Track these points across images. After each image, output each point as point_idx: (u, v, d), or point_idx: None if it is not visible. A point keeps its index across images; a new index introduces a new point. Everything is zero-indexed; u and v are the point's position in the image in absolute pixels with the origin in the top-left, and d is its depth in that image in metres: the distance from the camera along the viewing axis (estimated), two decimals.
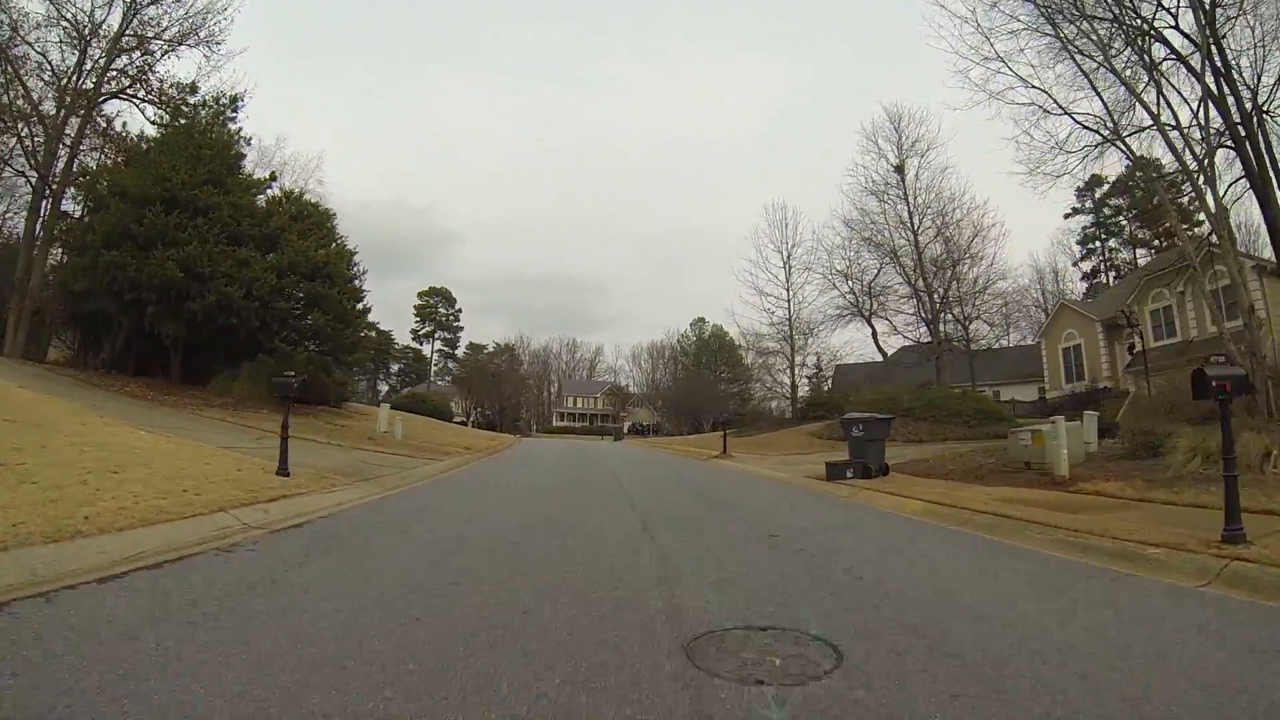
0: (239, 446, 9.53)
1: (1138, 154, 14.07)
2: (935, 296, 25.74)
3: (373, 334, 27.75)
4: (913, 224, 26.10)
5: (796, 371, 32.63)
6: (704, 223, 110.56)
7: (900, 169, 26.81)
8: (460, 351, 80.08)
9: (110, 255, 15.68)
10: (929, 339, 29.06)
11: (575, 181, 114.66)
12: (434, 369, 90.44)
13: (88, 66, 19.34)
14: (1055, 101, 13.09)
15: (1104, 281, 46.61)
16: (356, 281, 22.37)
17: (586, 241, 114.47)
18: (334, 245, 20.51)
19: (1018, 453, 10.59)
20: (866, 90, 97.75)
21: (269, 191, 21.51)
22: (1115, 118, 12.44)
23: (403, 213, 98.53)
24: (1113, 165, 33.23)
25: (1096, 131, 12.79)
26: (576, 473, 13.48)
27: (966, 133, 70.99)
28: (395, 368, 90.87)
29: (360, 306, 22.25)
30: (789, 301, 32.36)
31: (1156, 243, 45.27)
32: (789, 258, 33.04)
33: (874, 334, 31.44)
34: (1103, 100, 12.44)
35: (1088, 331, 29.92)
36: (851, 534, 6.29)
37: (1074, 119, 13.04)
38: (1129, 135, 12.75)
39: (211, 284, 16.38)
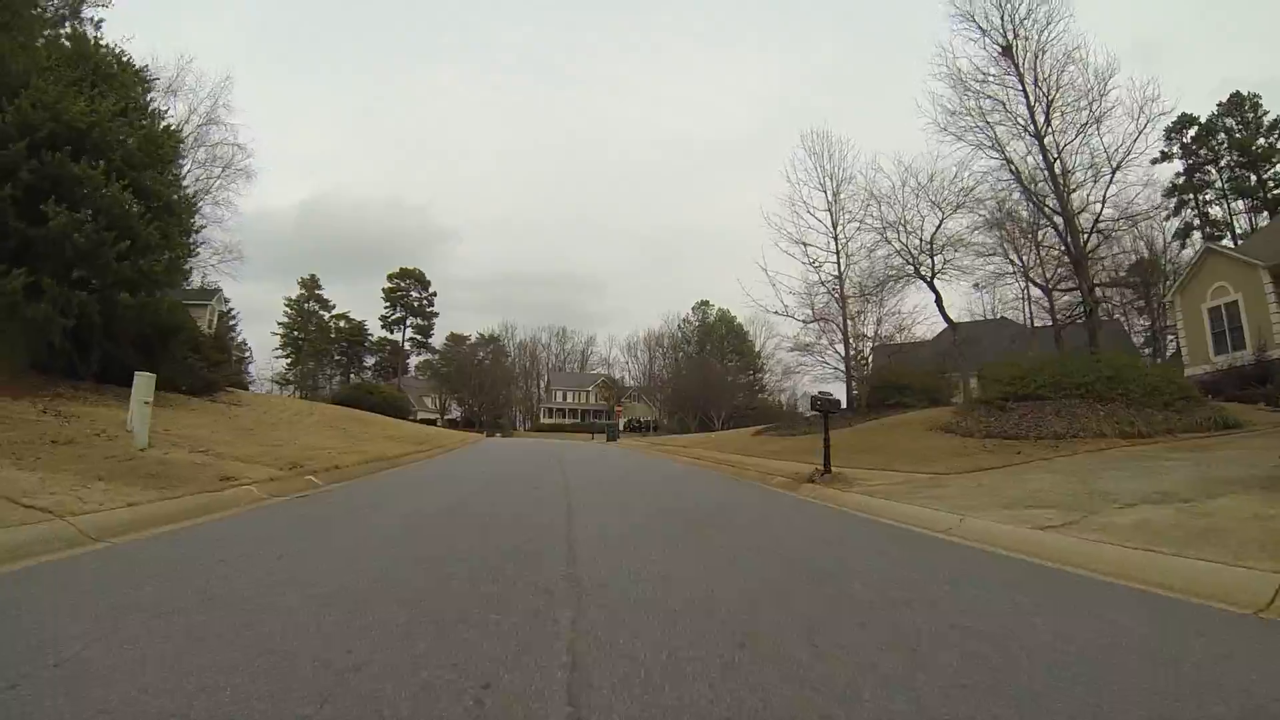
0: None
1: None
2: (1079, 226, 17.44)
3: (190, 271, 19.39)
4: (1035, 121, 17.89)
5: (855, 344, 24.15)
6: (700, 218, 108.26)
7: (1008, 50, 18.61)
8: (436, 340, 71.71)
9: None
10: (1044, 295, 20.96)
11: (569, 180, 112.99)
12: (414, 362, 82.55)
13: None
14: None
15: (1193, 240, 38.47)
16: (186, 193, 14.15)
17: (582, 239, 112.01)
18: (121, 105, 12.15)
19: None
20: (858, 82, 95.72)
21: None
22: None
23: (399, 211, 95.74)
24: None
25: None
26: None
27: None
28: (372, 360, 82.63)
29: (189, 221, 13.94)
30: (839, 253, 23.96)
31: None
32: (837, 193, 24.34)
33: (938, 299, 23.19)
34: None
35: (1249, 283, 21.82)
36: None
37: None
38: None
39: None
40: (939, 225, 22.50)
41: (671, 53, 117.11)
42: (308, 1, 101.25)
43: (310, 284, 74.62)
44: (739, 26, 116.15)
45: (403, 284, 68.83)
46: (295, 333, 74.20)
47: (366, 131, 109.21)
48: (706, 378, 54.17)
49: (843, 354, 26.40)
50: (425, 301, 70.49)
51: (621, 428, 74.25)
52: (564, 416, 76.07)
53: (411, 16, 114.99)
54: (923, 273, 23.41)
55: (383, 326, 69.97)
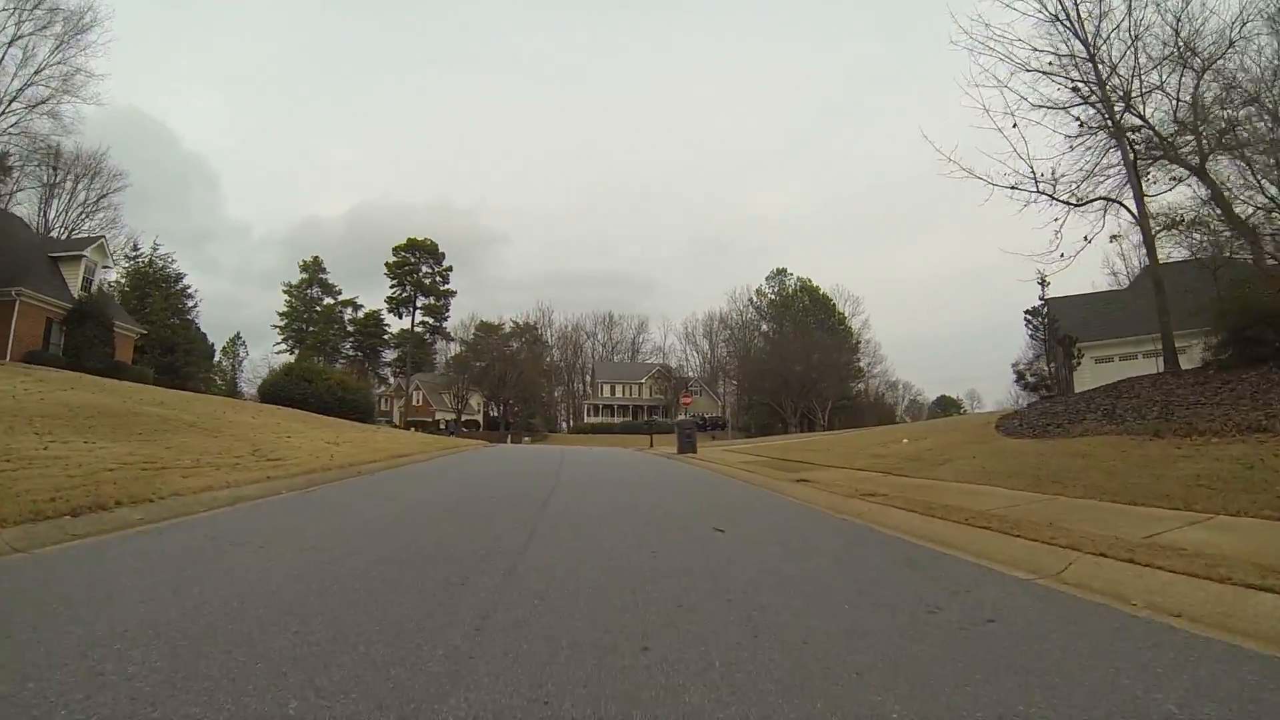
0: None
1: None
2: None
3: None
4: None
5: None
6: (744, 215, 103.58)
7: None
8: (453, 324, 59.32)
9: None
10: None
11: (611, 180, 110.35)
12: (446, 356, 71.05)
13: None
14: None
15: None
16: None
17: (628, 238, 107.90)
18: None
19: None
20: (891, 78, 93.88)
21: None
22: None
23: (447, 214, 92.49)
24: None
25: None
26: None
27: None
28: (393, 355, 71.33)
29: None
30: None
31: None
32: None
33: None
34: None
35: None
36: None
37: None
38: None
39: None
40: None
41: (700, 55, 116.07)
42: (340, 20, 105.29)
43: (313, 267, 63.88)
44: (769, 22, 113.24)
45: (411, 257, 56.79)
46: (297, 324, 63.65)
47: (411, 141, 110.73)
48: (807, 356, 39.34)
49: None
50: (439, 278, 58.29)
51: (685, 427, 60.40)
52: (612, 414, 62.72)
53: (444, 28, 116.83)
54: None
55: (389, 309, 58.21)
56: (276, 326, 62.27)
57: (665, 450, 22.61)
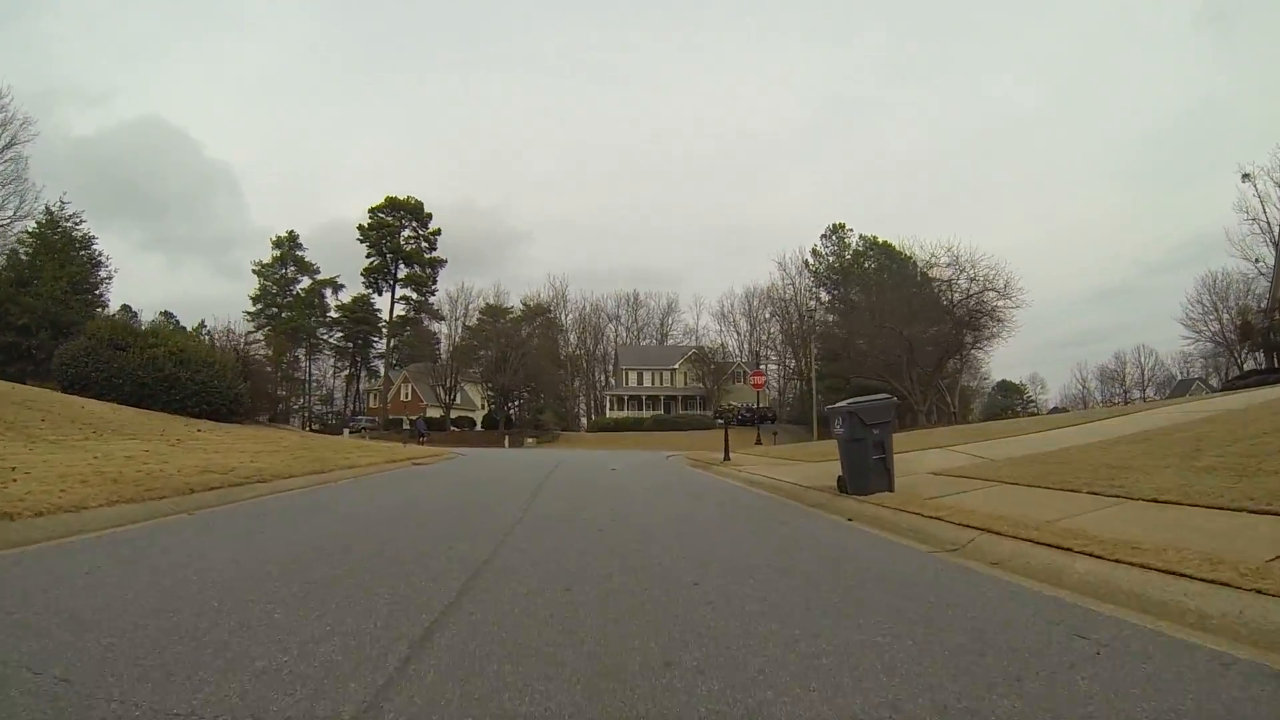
0: None
1: None
2: None
3: None
4: None
5: None
6: (765, 210, 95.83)
7: None
8: (435, 299, 48.70)
9: None
10: None
11: (631, 178, 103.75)
12: (451, 343, 61.22)
13: None
14: None
15: None
16: None
17: (651, 235, 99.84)
18: None
19: None
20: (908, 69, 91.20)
21: None
22: None
23: (470, 215, 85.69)
24: None
25: None
26: None
27: None
28: (391, 343, 61.59)
29: None
30: None
31: None
32: None
33: None
34: None
35: None
36: None
37: None
38: None
39: None
40: None
41: (716, 50, 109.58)
42: (355, 21, 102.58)
43: (288, 242, 54.63)
44: (783, 21, 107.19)
45: (389, 218, 46.45)
46: (271, 309, 54.59)
47: (433, 142, 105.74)
48: (911, 310, 28.18)
49: None
50: (424, 244, 47.78)
51: (726, 416, 49.80)
52: (640, 407, 52.34)
53: (458, 28, 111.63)
54: None
55: (365, 283, 48.07)
56: (247, 313, 53.19)
57: (750, 460, 12.19)
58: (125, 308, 45.50)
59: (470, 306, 48.51)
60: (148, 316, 44.11)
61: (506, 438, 37.14)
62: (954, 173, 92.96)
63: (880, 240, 46.50)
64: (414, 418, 36.73)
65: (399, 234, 45.92)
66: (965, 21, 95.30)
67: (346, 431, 35.55)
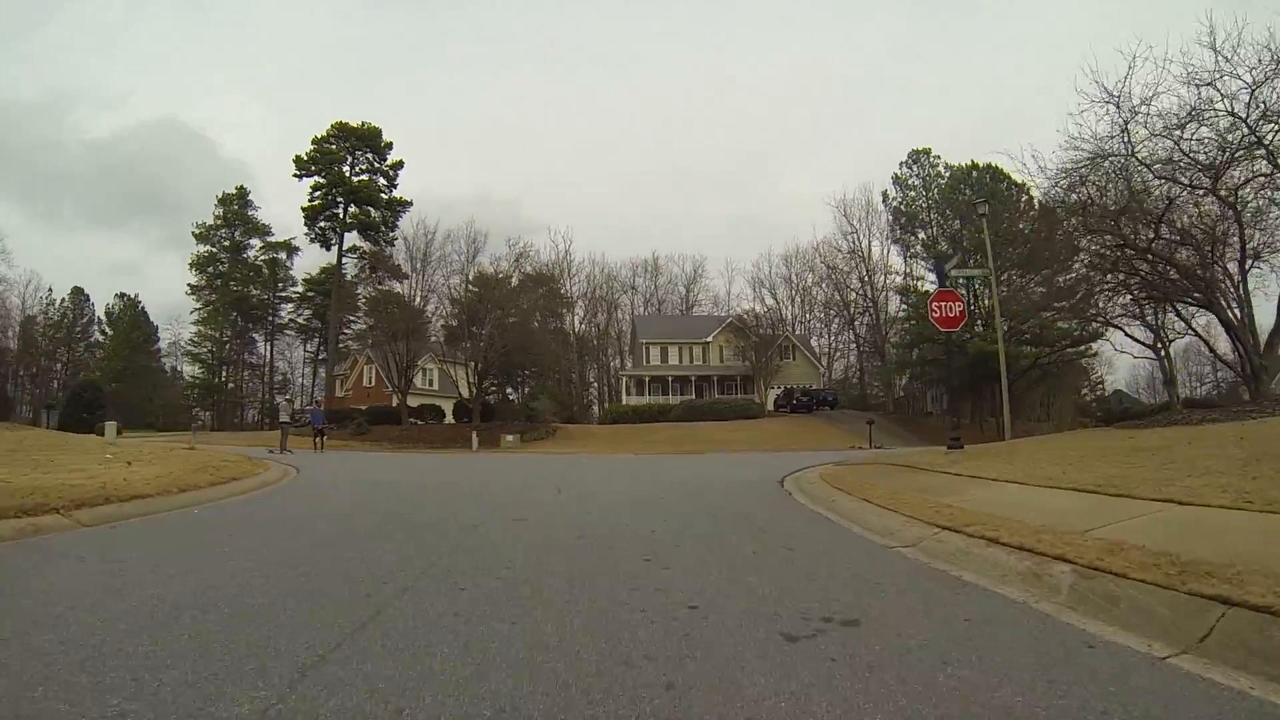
0: None
1: None
2: None
3: None
4: None
5: None
6: (784, 197, 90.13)
7: None
8: (395, 251, 37.33)
9: None
10: None
11: (654, 164, 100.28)
12: (441, 325, 50.99)
13: None
14: None
15: None
16: None
17: (674, 223, 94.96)
18: None
19: None
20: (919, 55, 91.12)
21: None
22: None
23: (488, 208, 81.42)
24: None
25: None
26: None
27: None
28: (368, 324, 51.89)
29: None
30: None
31: None
32: None
33: None
34: None
35: None
36: None
37: None
38: None
39: None
40: None
41: (734, 40, 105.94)
42: (374, 15, 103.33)
43: (236, 199, 45.00)
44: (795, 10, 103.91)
45: (337, 147, 35.41)
46: (217, 279, 45.21)
47: (450, 135, 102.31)
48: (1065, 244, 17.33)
49: None
50: (381, 179, 36.39)
51: (772, 404, 39.23)
52: (665, 391, 41.96)
53: (471, 23, 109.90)
54: None
55: (306, 225, 37.22)
56: (190, 285, 43.89)
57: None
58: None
59: (435, 256, 38.00)
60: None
61: (475, 435, 27.17)
62: None
63: (979, 164, 35.25)
64: (308, 406, 27.32)
65: (348, 162, 35.23)
66: None
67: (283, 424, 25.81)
